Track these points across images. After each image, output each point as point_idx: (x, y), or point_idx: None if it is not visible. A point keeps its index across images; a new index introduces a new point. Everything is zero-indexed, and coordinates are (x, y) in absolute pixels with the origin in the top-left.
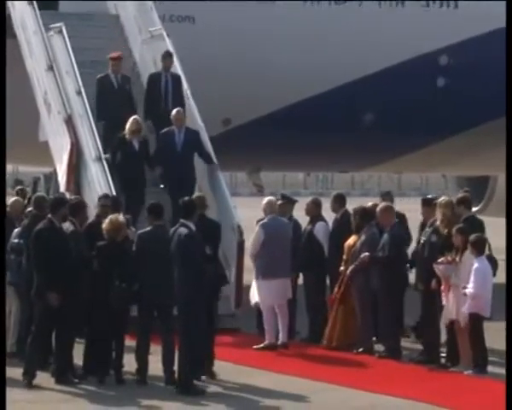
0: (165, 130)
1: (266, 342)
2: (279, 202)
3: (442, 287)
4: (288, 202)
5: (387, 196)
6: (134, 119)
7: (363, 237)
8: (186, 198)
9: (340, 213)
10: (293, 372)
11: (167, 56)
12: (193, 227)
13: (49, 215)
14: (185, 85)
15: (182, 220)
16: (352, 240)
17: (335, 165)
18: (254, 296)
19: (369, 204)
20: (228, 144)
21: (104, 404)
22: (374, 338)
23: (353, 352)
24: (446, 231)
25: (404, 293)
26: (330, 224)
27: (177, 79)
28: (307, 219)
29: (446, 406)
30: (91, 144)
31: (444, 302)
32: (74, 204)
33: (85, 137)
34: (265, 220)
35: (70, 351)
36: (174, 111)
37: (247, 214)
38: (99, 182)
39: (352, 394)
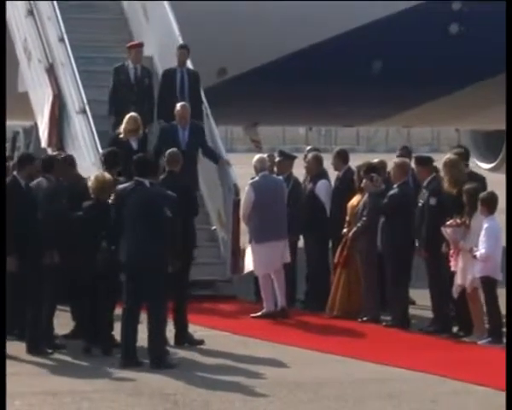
0: (167, 125)
1: (264, 310)
2: (277, 159)
3: (451, 252)
4: (287, 158)
5: (404, 150)
6: (130, 116)
7: (366, 196)
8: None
9: (343, 171)
10: (294, 343)
11: (181, 49)
12: (147, 184)
13: (14, 173)
14: (205, 104)
15: (136, 178)
16: (355, 200)
17: (339, 118)
18: (249, 263)
19: (375, 160)
20: (223, 96)
21: (75, 376)
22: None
23: (358, 321)
24: (455, 191)
25: (412, 257)
26: (333, 182)
27: (193, 75)
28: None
29: (458, 378)
30: (75, 96)
31: (453, 268)
32: (45, 160)
33: (68, 88)
34: (256, 179)
35: (46, 320)
36: (179, 106)
37: (244, 172)
38: (83, 136)
39: (357, 365)
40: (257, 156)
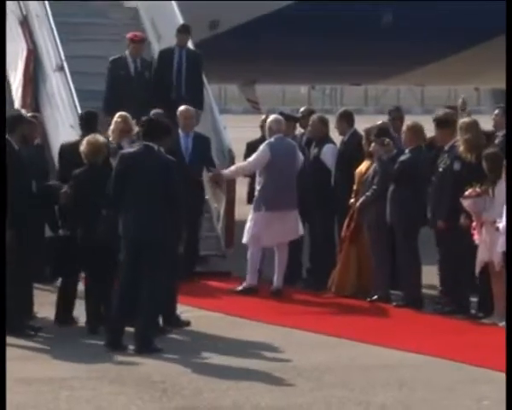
0: None
1: (245, 283)
2: None
3: (473, 224)
4: (289, 120)
5: (397, 112)
6: (119, 115)
7: (376, 163)
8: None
9: (348, 135)
10: (294, 325)
11: (182, 31)
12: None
13: (6, 136)
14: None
15: (145, 142)
16: (363, 166)
17: (345, 76)
18: (250, 233)
19: (379, 123)
20: (216, 51)
21: (53, 362)
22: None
23: (366, 300)
24: (474, 157)
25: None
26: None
27: (194, 57)
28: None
29: (477, 364)
30: (51, 51)
31: (477, 242)
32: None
33: (44, 43)
34: (272, 140)
35: (25, 298)
36: (182, 109)
37: (240, 135)
38: (60, 95)
39: (364, 350)
40: (272, 116)
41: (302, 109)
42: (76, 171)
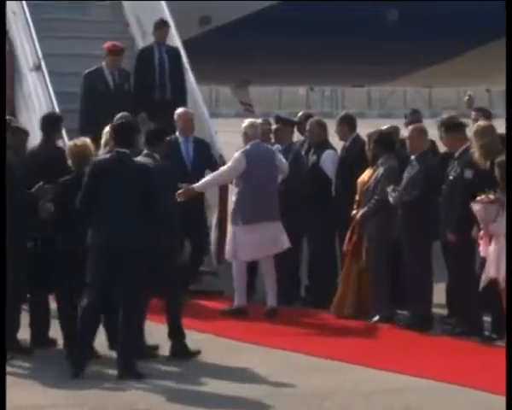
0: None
1: (234, 304)
2: (274, 126)
3: (480, 234)
4: (286, 124)
5: (415, 115)
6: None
7: (378, 171)
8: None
9: (350, 140)
10: (292, 347)
11: (161, 26)
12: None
13: None
14: (184, 58)
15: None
16: (366, 175)
17: (347, 77)
18: (231, 249)
19: (385, 127)
20: (207, 50)
21: (30, 388)
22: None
23: (369, 321)
24: (488, 164)
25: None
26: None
27: (174, 54)
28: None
29: (489, 389)
30: (28, 49)
31: (482, 254)
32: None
33: (20, 40)
34: (247, 147)
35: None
36: (182, 111)
37: (232, 140)
38: (38, 96)
39: (367, 374)
40: (247, 121)
41: (300, 114)
42: (62, 179)
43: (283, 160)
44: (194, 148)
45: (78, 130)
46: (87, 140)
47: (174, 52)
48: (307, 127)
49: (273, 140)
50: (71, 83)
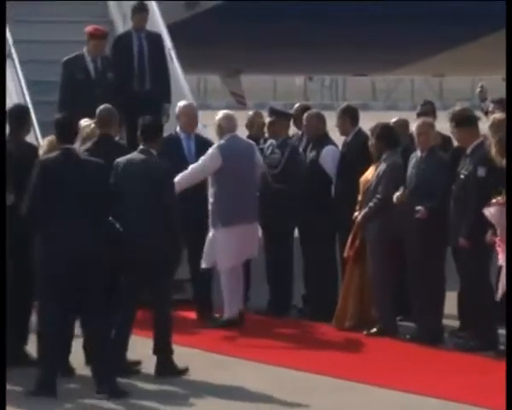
0: (166, 136)
1: (225, 315)
2: (268, 119)
3: (497, 240)
4: (282, 118)
5: (427, 106)
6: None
7: (380, 168)
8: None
9: (352, 135)
10: (289, 364)
11: (140, 11)
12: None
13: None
14: (169, 45)
15: (141, 146)
16: (369, 173)
17: (348, 65)
18: (210, 254)
19: (394, 120)
20: (193, 35)
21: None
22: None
23: (365, 333)
24: (505, 161)
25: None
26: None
27: (155, 40)
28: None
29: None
30: None
31: (500, 262)
32: None
33: None
34: (223, 141)
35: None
36: (184, 105)
37: None
38: (7, 87)
39: (369, 393)
40: (222, 113)
41: (296, 106)
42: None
43: (259, 155)
44: (196, 145)
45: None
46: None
47: (155, 38)
48: (304, 121)
49: (267, 135)
50: (47, 72)
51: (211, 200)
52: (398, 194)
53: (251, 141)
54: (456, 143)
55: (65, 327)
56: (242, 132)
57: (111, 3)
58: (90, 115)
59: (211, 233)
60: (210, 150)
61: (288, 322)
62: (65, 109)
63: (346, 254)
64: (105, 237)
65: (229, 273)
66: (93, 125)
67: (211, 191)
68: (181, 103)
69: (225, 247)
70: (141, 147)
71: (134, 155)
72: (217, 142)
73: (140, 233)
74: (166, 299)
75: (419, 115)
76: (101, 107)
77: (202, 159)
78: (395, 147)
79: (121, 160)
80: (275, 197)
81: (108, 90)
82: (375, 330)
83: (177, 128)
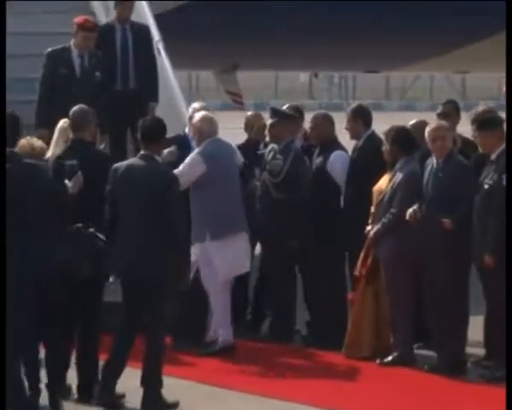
0: (173, 137)
1: (220, 340)
2: (269, 121)
3: None
4: (284, 119)
5: (449, 105)
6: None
7: (396, 177)
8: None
9: (364, 139)
10: (292, 397)
11: (124, 0)
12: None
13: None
14: (157, 37)
15: (143, 152)
16: (383, 182)
17: (359, 60)
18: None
19: (412, 123)
20: (185, 26)
21: None
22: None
23: (379, 362)
24: None
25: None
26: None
27: (142, 33)
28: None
29: None
30: None
31: None
32: None
33: None
34: (206, 146)
35: None
36: (196, 113)
37: None
38: None
39: None
40: (200, 115)
41: (285, 107)
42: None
43: (239, 155)
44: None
45: (35, 124)
46: (35, 141)
47: (141, 31)
48: (311, 123)
49: (268, 138)
50: (25, 68)
51: (194, 209)
52: (411, 211)
53: (229, 142)
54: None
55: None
56: (241, 136)
57: None
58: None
59: (197, 249)
60: (191, 156)
61: (291, 349)
62: (43, 108)
63: (356, 273)
64: (61, 249)
65: (222, 292)
66: None
67: (194, 201)
68: (193, 111)
69: (218, 260)
70: (142, 152)
71: (134, 161)
72: (196, 147)
73: (138, 249)
74: (161, 324)
75: (440, 116)
76: (75, 108)
77: (182, 167)
78: (412, 153)
79: (119, 165)
80: (276, 208)
81: (97, 91)
82: (390, 358)
83: (187, 129)
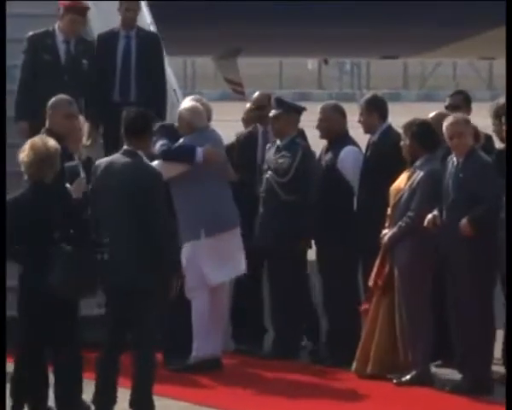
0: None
1: (194, 354)
2: (272, 113)
3: None
4: (289, 111)
5: (458, 96)
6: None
7: (415, 177)
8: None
9: (380, 133)
10: None
11: (130, 5)
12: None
13: None
14: (148, 19)
15: (126, 147)
16: (401, 181)
17: (373, 45)
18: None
19: (432, 115)
20: (179, 8)
21: None
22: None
23: (395, 382)
24: None
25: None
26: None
27: (149, 42)
28: (322, 142)
29: None
30: None
31: None
32: None
33: None
34: (194, 137)
35: None
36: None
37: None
38: None
39: None
40: (189, 106)
41: (257, 95)
42: (13, 196)
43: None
44: None
45: (15, 117)
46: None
47: (149, 39)
48: (320, 114)
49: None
50: (9, 54)
51: (182, 207)
52: (430, 216)
53: (215, 130)
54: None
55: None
56: (238, 127)
57: None
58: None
59: (187, 249)
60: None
61: (297, 366)
62: (23, 99)
63: (370, 284)
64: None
65: (207, 299)
66: None
67: (181, 198)
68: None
69: (208, 260)
70: (124, 147)
71: (116, 158)
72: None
73: (118, 256)
74: (149, 339)
75: (448, 109)
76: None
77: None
78: (434, 150)
79: (100, 162)
80: (283, 212)
81: (82, 81)
82: (407, 378)
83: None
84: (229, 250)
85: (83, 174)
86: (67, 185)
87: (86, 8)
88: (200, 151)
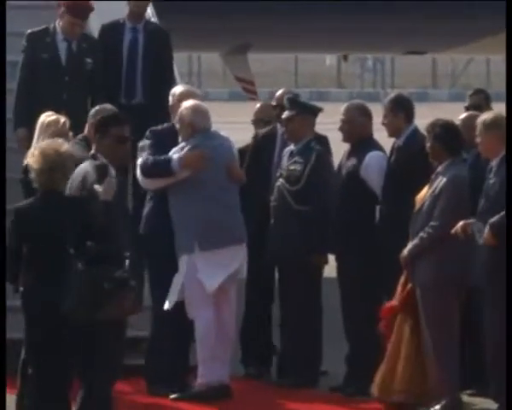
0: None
1: (199, 382)
2: (285, 115)
3: None
4: (304, 112)
5: (479, 96)
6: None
7: (438, 183)
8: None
9: (406, 136)
10: None
11: None
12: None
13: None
14: (149, 11)
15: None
16: (427, 189)
17: (396, 40)
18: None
19: (462, 116)
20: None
21: None
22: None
23: None
24: None
25: None
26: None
27: (158, 38)
28: (343, 147)
29: None
30: None
31: None
32: None
33: None
34: (195, 141)
35: None
36: (183, 101)
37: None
38: None
39: None
40: (189, 104)
41: (279, 93)
42: (19, 204)
43: (235, 151)
44: None
45: (14, 124)
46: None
47: (157, 34)
48: (342, 115)
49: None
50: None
51: (177, 216)
52: (461, 224)
53: (225, 135)
54: None
55: None
56: (248, 130)
57: None
58: (56, 108)
59: (183, 262)
60: (174, 156)
61: (315, 395)
62: (22, 101)
63: (393, 303)
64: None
65: (211, 318)
66: (63, 121)
67: (176, 204)
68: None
69: (205, 268)
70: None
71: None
72: (183, 141)
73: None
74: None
75: (469, 109)
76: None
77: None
78: (458, 153)
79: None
80: (296, 223)
81: (85, 83)
82: (437, 407)
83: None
84: (227, 265)
85: (113, 172)
86: (95, 186)
87: (89, 10)
88: (175, 160)
